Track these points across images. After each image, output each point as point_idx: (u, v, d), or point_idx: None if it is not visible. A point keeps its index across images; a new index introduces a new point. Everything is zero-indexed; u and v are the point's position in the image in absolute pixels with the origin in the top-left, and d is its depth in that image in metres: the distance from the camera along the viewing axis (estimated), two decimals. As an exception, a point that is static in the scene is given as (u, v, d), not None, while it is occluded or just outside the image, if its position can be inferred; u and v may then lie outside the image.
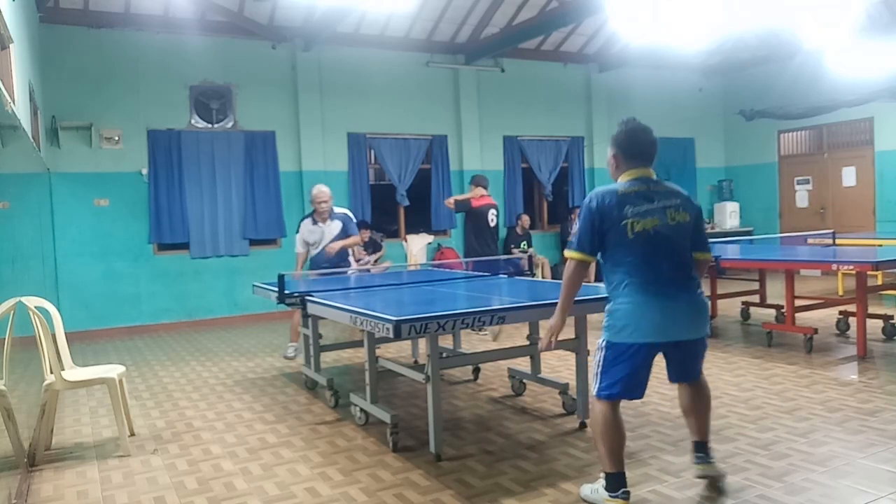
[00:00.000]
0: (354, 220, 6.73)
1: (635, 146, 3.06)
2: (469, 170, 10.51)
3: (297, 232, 6.62)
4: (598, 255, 3.02)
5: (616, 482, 2.97)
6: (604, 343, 3.01)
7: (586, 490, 3.13)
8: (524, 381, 4.93)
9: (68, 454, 4.05)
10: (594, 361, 3.06)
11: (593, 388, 3.05)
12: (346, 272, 6.53)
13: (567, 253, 3.05)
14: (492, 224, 7.18)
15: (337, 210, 6.57)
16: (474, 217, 7.14)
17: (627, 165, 3.06)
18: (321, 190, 6.51)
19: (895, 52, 8.74)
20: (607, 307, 3.04)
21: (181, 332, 8.48)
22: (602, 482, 3.03)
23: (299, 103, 9.32)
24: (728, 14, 7.14)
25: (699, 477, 3.23)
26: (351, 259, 6.80)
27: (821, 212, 11.72)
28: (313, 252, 6.54)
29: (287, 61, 9.30)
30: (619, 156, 3.08)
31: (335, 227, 6.50)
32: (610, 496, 2.96)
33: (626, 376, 2.95)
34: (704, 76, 12.71)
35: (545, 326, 3.24)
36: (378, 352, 4.40)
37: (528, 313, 3.82)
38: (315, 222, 6.50)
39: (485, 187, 7.29)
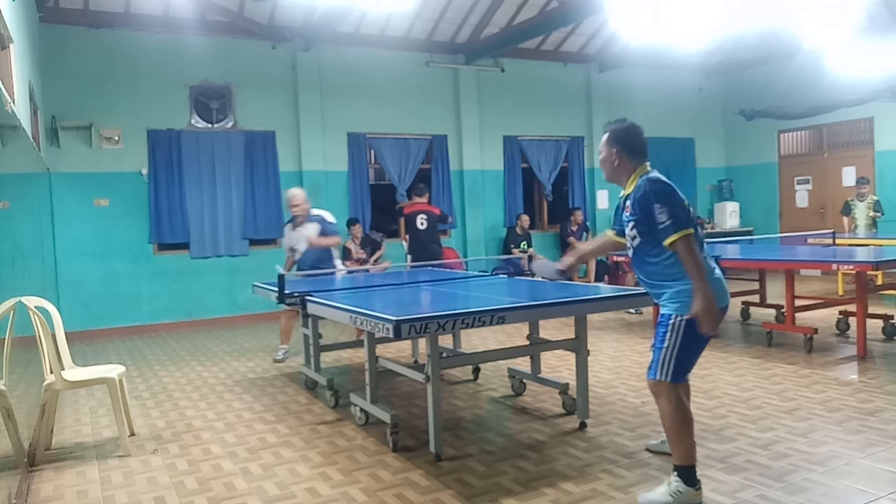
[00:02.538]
0: (334, 222, 6.60)
1: (639, 143, 3.16)
2: (469, 169, 10.54)
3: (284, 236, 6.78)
4: (640, 239, 3.01)
5: (693, 473, 2.96)
6: (682, 322, 2.90)
7: (655, 496, 2.96)
8: (524, 381, 4.93)
9: (68, 454, 4.05)
10: (664, 348, 2.94)
11: (665, 375, 2.94)
12: (332, 272, 6.47)
13: (675, 236, 2.85)
14: (421, 227, 8.02)
15: (314, 212, 6.53)
16: (407, 222, 8.09)
17: (634, 162, 3.13)
18: (293, 193, 6.51)
19: (895, 52, 8.75)
20: (677, 288, 2.94)
21: (181, 332, 8.48)
22: (676, 482, 2.93)
23: (299, 103, 9.32)
24: (728, 14, 7.16)
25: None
26: (337, 262, 6.68)
27: (821, 212, 11.71)
28: (297, 256, 6.50)
29: (287, 61, 9.30)
30: (623, 153, 3.13)
31: (312, 228, 6.41)
32: (695, 490, 2.94)
33: (698, 353, 2.99)
34: (704, 76, 12.71)
35: (697, 305, 2.87)
36: (378, 352, 4.39)
37: (528, 313, 3.82)
38: (294, 226, 6.48)
39: (419, 195, 8.19)
